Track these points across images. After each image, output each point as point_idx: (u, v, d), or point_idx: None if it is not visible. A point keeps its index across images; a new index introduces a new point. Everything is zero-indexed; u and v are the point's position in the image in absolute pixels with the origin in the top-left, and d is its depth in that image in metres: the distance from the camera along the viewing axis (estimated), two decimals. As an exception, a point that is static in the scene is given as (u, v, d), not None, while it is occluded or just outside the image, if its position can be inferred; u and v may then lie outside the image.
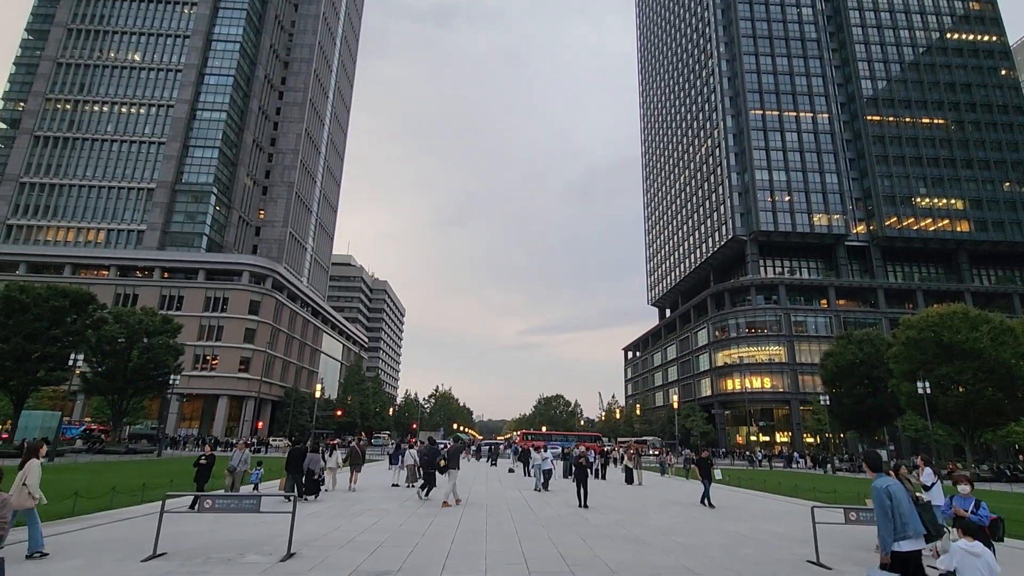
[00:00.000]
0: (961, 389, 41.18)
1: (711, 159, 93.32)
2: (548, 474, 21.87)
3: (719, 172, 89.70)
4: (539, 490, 21.14)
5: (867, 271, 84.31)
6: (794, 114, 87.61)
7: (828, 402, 53.81)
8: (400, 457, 23.65)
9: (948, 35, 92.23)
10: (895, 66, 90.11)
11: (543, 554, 9.49)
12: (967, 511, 8.78)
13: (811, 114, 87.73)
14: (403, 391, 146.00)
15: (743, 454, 67.78)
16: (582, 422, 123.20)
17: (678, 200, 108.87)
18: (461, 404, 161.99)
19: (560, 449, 46.05)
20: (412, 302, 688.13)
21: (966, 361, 40.58)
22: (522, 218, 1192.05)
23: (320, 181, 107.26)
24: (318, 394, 62.99)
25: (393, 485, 21.76)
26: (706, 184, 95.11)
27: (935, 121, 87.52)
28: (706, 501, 17.87)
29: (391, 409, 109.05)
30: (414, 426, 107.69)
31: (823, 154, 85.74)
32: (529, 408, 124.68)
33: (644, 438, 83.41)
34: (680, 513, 16.09)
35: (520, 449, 37.65)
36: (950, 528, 8.42)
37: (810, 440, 73.80)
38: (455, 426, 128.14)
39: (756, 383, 79.84)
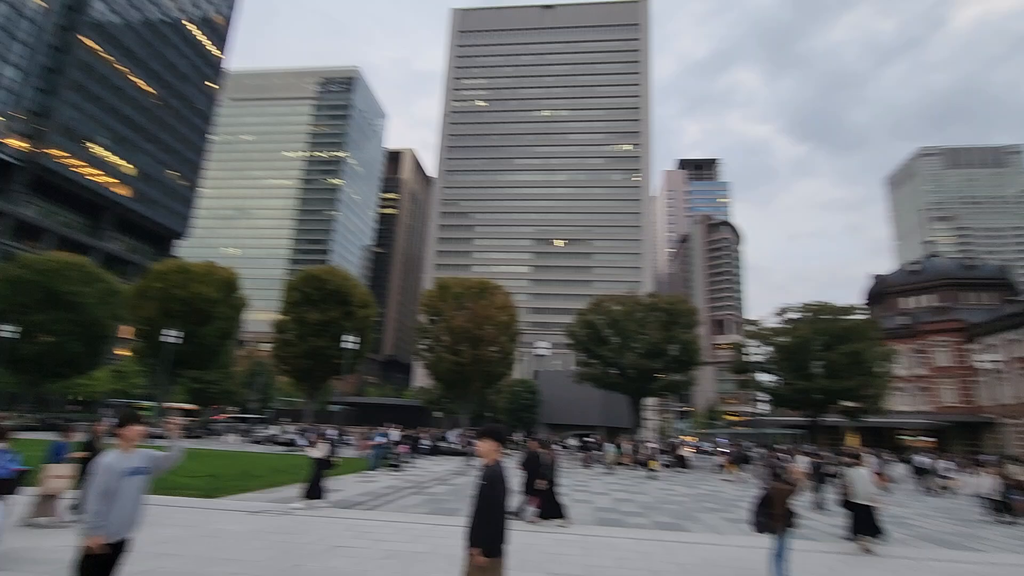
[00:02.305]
0: (51, 338, 40.13)
1: None
2: None
3: None
4: None
5: (1, 191, 71.76)
6: (1, -29, 67.32)
7: None
8: None
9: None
10: (134, 12, 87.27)
11: None
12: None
13: (24, -12, 70.13)
14: None
15: None
16: None
17: None
18: None
19: None
20: None
21: (68, 312, 40.24)
22: None
23: None
24: None
25: None
26: None
27: (149, 88, 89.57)
28: None
29: None
30: None
31: (15, 40, 69.43)
32: None
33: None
34: None
35: None
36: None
37: None
38: None
39: None
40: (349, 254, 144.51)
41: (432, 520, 11.32)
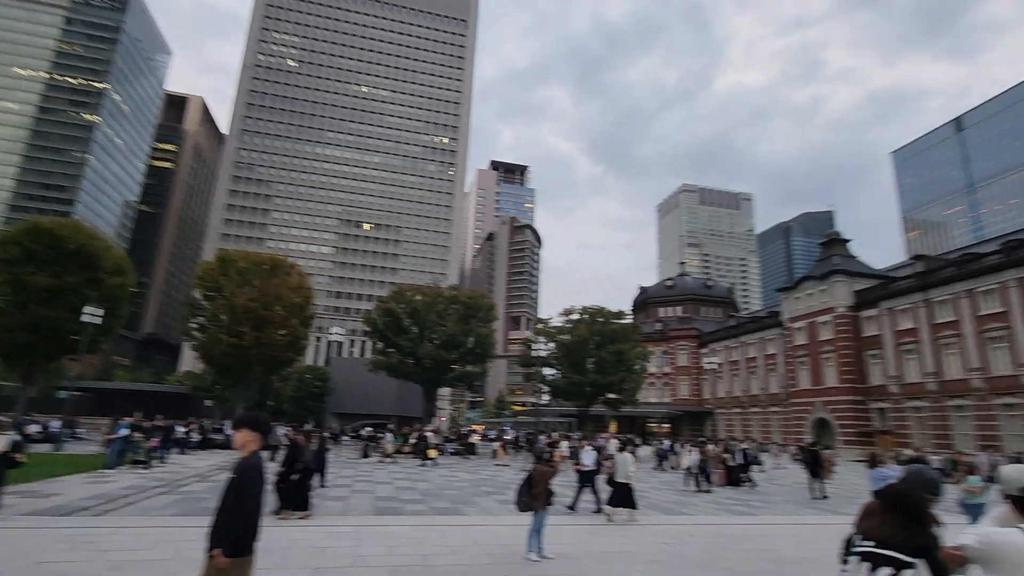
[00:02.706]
0: None
1: None
2: None
3: None
4: None
5: None
6: None
7: None
8: None
9: None
10: None
11: None
12: None
13: None
14: None
15: None
16: None
17: None
18: None
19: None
20: None
21: None
22: None
23: None
24: None
25: None
26: None
27: None
28: None
29: None
30: None
31: None
32: None
33: None
34: None
35: None
36: None
37: None
38: None
39: None
40: (104, 209, 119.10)
41: (181, 522, 9.89)
